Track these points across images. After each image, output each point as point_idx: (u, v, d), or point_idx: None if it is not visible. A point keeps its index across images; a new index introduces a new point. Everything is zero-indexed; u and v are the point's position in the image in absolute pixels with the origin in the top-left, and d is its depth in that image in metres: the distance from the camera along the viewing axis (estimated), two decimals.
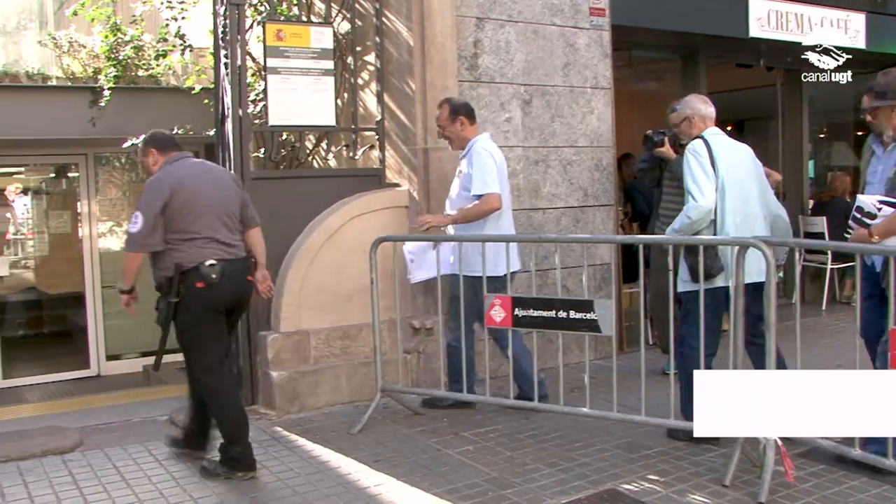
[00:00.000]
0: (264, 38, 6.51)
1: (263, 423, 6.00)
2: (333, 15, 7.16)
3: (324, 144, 7.29)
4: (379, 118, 6.94)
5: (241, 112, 6.29)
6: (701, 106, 5.60)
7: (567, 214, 7.46)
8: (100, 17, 9.21)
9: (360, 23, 7.07)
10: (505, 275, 5.75)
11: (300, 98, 6.53)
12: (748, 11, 8.66)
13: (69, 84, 9.82)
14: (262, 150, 7.54)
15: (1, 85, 9.62)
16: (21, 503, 4.71)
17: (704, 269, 5.00)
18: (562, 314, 5.22)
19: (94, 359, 10.56)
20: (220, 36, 6.94)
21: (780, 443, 4.41)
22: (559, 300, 5.36)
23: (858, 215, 4.79)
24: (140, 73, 9.60)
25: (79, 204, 10.98)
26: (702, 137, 5.41)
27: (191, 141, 8.94)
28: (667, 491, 4.53)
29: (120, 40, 9.37)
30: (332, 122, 6.77)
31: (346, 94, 7.18)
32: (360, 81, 7.15)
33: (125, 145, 8.55)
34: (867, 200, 4.79)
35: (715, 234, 5.19)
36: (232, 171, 6.11)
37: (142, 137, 5.33)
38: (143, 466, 5.22)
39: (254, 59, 7.53)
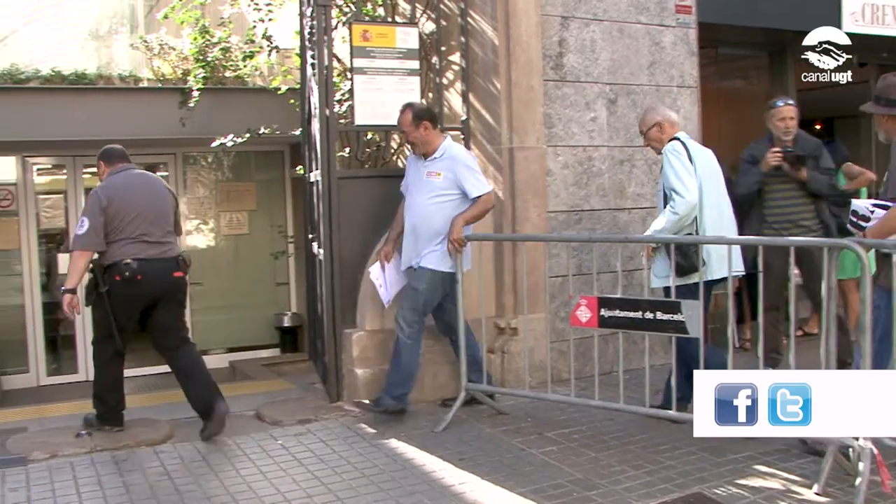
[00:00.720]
0: (350, 39, 6.56)
1: (348, 419, 6.05)
2: (418, 15, 7.20)
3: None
4: (464, 118, 6.94)
5: (327, 112, 6.35)
6: (670, 112, 5.93)
7: (652, 214, 7.30)
8: (189, 20, 9.40)
9: (444, 23, 7.08)
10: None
11: (386, 98, 6.56)
12: (841, 6, 8.45)
13: (159, 85, 10.05)
14: (347, 149, 7.61)
15: (95, 87, 9.88)
16: (116, 490, 4.84)
17: (688, 265, 5.36)
18: (648, 315, 5.16)
19: None
20: (307, 37, 7.04)
21: (875, 451, 4.28)
22: (646, 301, 5.29)
23: (854, 219, 5.01)
24: (227, 74, 9.77)
25: None
26: (678, 139, 5.67)
27: (277, 140, 9.11)
28: (755, 497, 4.45)
29: (208, 42, 9.55)
30: None
31: (430, 94, 7.20)
32: (444, 81, 7.15)
33: (213, 145, 8.74)
34: (861, 204, 5.03)
35: (697, 231, 5.50)
36: (316, 169, 6.38)
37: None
38: (231, 460, 5.31)
39: (338, 60, 7.60)
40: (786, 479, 4.67)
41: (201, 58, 9.52)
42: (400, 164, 7.78)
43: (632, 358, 6.31)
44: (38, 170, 10.88)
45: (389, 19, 7.32)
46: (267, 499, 4.65)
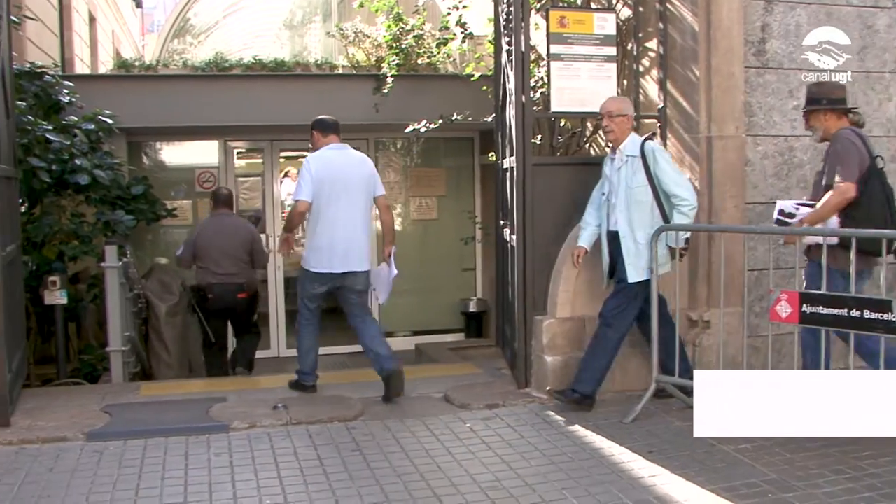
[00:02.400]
0: (547, 25, 6.55)
1: (536, 406, 6.09)
2: (615, 1, 7.10)
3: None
4: (661, 105, 6.81)
5: (524, 98, 6.36)
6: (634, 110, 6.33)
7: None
8: (383, 8, 9.62)
9: (641, 8, 6.96)
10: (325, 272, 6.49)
11: (582, 85, 6.54)
12: None
13: (354, 72, 10.32)
14: (539, 136, 7.61)
15: (293, 74, 10.25)
16: (311, 462, 5.04)
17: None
18: (855, 313, 4.92)
19: None
20: (502, 24, 7.06)
21: None
22: (853, 298, 5.03)
23: (780, 217, 5.63)
24: (420, 61, 9.93)
25: None
26: (650, 138, 6.01)
27: (468, 127, 9.19)
28: None
29: (402, 30, 9.74)
30: None
31: (625, 81, 7.10)
32: (640, 68, 7.03)
33: (407, 130, 8.90)
34: (787, 203, 5.72)
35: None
36: (517, 160, 6.50)
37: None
38: (420, 440, 5.43)
39: (532, 47, 7.60)
40: None
41: (395, 45, 9.72)
42: (592, 152, 7.72)
43: (831, 357, 6.05)
44: (238, 153, 11.39)
45: (585, 6, 7.25)
46: (456, 479, 4.73)
